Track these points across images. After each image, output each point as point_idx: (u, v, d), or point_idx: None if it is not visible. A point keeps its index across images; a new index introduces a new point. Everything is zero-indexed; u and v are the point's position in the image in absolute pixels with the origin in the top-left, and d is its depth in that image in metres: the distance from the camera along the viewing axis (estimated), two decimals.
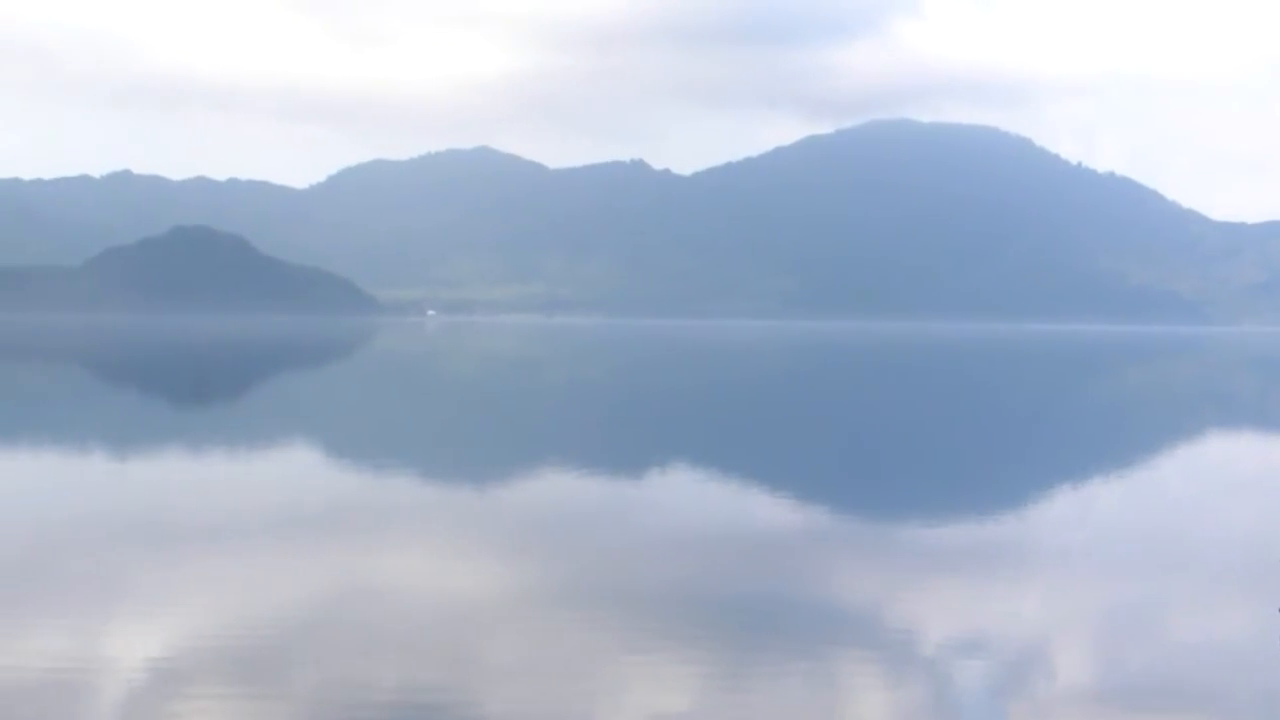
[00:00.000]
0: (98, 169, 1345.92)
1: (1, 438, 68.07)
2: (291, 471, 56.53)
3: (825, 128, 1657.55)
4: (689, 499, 50.51)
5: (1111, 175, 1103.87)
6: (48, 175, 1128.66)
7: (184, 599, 29.56)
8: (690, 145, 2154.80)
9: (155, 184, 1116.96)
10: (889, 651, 26.98)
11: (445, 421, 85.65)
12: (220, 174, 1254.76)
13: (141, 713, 21.49)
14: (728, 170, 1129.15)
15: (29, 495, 46.74)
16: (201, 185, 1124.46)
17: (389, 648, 25.85)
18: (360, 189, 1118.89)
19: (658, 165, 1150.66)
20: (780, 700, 23.43)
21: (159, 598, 29.62)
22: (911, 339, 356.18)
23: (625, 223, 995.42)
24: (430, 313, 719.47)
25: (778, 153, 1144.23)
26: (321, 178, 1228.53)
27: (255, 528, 39.93)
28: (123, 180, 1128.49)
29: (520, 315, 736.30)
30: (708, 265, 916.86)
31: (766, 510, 48.32)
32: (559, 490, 52.47)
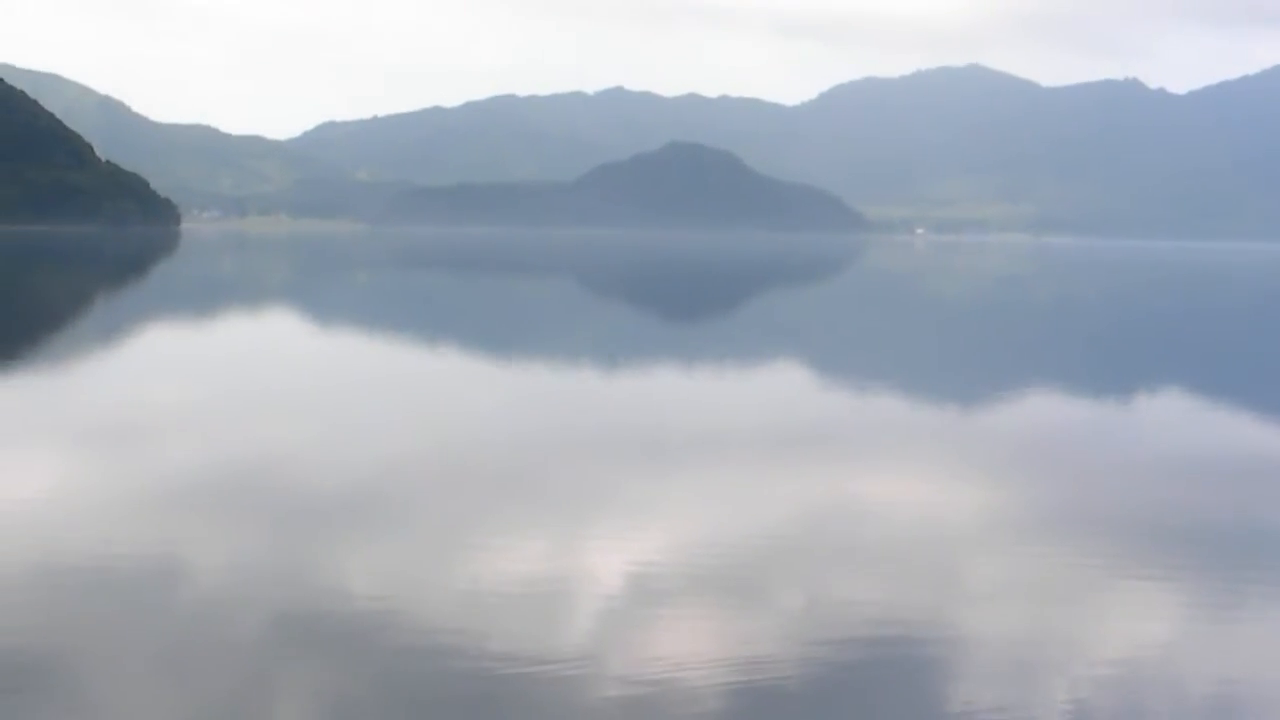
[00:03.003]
0: (591, 85, 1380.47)
1: (497, 351, 69.58)
2: (778, 387, 56.48)
3: None
4: (1171, 424, 48.86)
5: None
6: (542, 92, 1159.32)
7: (666, 514, 29.60)
8: (1185, 63, 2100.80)
9: (647, 100, 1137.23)
10: None
11: (931, 340, 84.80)
12: (711, 90, 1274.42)
13: (621, 628, 21.41)
14: (1223, 89, 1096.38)
15: (519, 408, 47.56)
16: (693, 102, 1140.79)
17: (868, 568, 25.41)
18: (851, 106, 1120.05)
19: (1152, 84, 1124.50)
20: (1266, 637, 22.32)
21: (642, 511, 29.71)
22: None
23: (1118, 142, 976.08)
24: (919, 231, 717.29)
25: (1276, 71, 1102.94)
26: (812, 95, 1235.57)
27: (739, 443, 39.84)
28: (616, 97, 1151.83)
29: (1009, 235, 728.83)
30: (1203, 186, 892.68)
31: (1253, 438, 46.35)
32: (1039, 410, 51.29)
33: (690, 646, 20.27)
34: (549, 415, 44.75)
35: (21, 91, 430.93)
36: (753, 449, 38.62)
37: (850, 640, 20.87)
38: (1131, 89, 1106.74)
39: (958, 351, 76.33)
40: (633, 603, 22.42)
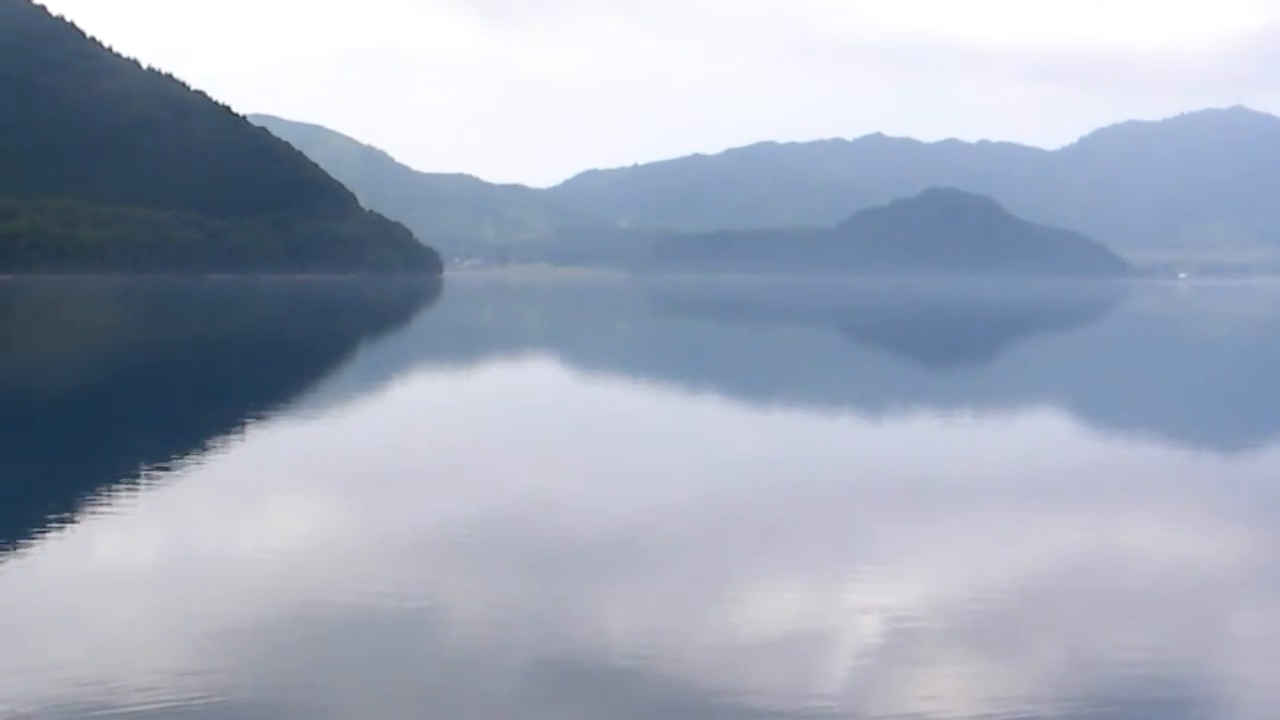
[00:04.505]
0: (850, 131, 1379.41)
1: (755, 398, 69.61)
2: (1037, 433, 55.67)
3: None
4: None
5: None
6: (802, 138, 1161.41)
7: (924, 562, 29.29)
8: None
9: (907, 146, 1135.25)
10: None
11: (1193, 385, 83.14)
12: (970, 136, 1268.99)
13: (879, 678, 21.17)
14: None
15: (777, 455, 47.41)
16: (952, 147, 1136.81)
17: (1130, 618, 24.87)
18: (1112, 151, 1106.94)
19: None
20: None
21: (900, 559, 29.39)
22: None
23: None
24: (1181, 276, 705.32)
25: None
26: (1072, 139, 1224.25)
27: (998, 489, 39.35)
28: (875, 143, 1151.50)
29: (1275, 278, 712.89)
30: None
31: None
32: None
33: (948, 697, 20.03)
34: (807, 463, 44.62)
35: (287, 143, 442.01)
36: (1012, 496, 38.15)
37: (1112, 692, 20.49)
38: None
39: (1221, 397, 74.73)
40: (891, 652, 22.21)
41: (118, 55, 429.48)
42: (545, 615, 23.90)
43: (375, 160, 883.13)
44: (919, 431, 55.34)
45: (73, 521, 30.99)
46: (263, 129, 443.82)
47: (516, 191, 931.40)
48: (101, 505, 32.77)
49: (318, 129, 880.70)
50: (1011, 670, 21.46)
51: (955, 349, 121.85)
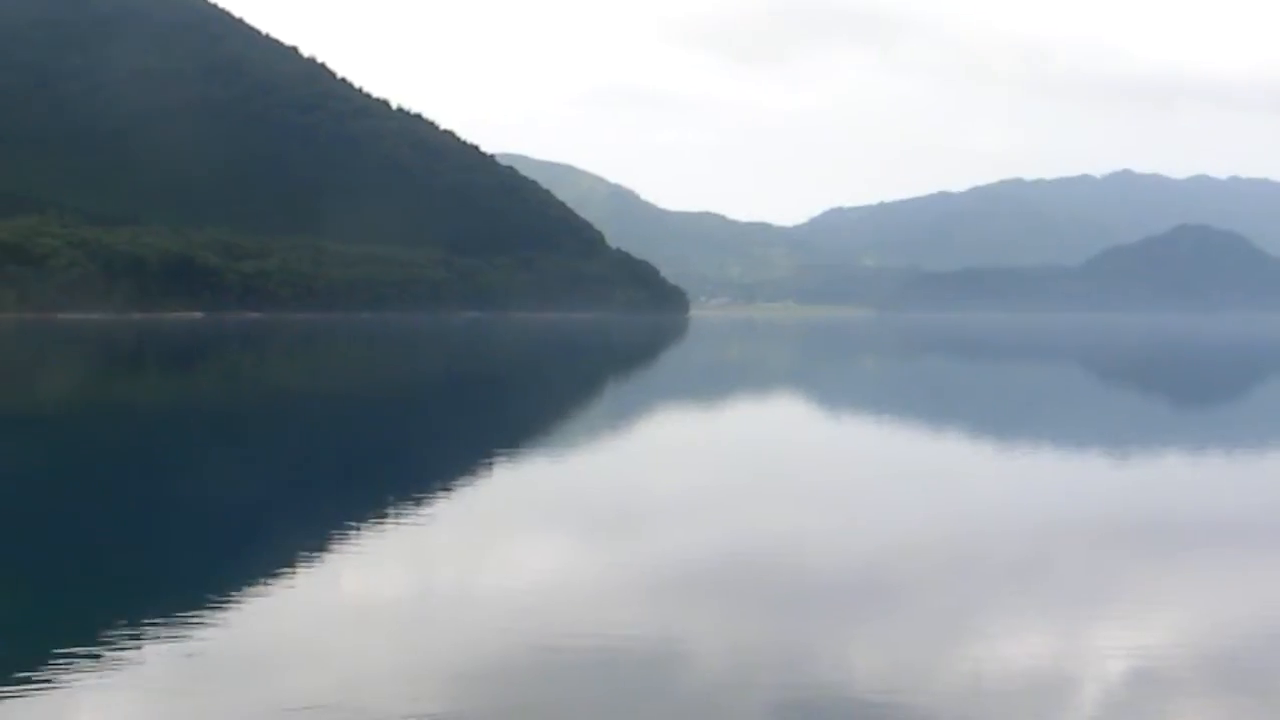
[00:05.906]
0: (1098, 168, 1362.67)
1: (1000, 436, 68.89)
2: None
3: None
4: None
5: None
6: (1049, 175, 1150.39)
7: (1174, 601, 28.75)
8: None
9: (1156, 183, 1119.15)
10: None
11: None
12: (1220, 171, 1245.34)
13: (1126, 716, 20.92)
14: None
15: (1022, 493, 46.93)
16: (1202, 183, 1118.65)
17: None
18: None
19: None
20: None
21: (1149, 598, 28.89)
22: None
23: None
24: None
25: None
26: None
27: (1247, 529, 38.36)
28: (1123, 180, 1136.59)
29: None
30: None
31: None
32: None
33: None
34: (1053, 501, 43.95)
35: (534, 182, 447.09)
36: (1265, 537, 37.30)
37: None
38: None
39: None
40: (1138, 696, 21.77)
41: (368, 96, 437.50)
42: (787, 655, 23.70)
43: (622, 199, 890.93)
44: (1168, 470, 54.32)
45: (321, 557, 31.43)
46: (511, 168, 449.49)
47: (762, 230, 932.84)
48: (350, 540, 33.15)
49: (566, 168, 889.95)
50: (1267, 713, 21.00)
51: (1205, 388, 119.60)
